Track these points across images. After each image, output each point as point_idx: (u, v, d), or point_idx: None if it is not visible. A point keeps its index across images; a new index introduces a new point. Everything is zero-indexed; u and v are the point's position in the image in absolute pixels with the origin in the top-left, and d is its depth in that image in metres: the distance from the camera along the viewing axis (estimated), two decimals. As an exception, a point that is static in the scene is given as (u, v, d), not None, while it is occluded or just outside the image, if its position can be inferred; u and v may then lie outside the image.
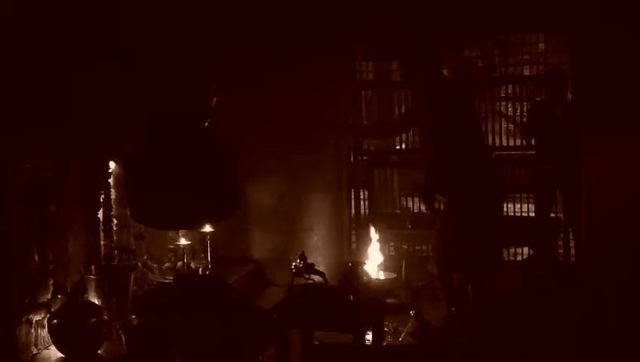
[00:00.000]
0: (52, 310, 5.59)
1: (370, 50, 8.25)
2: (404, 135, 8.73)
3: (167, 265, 7.05)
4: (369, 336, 5.63)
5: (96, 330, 5.52)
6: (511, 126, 9.93)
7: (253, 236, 8.06)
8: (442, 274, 6.30)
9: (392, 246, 8.25)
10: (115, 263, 6.23)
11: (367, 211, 8.68)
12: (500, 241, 6.54)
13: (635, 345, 5.89)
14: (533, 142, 8.55)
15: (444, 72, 6.91)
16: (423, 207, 8.25)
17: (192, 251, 7.18)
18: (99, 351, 5.56)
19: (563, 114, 8.10)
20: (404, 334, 6.36)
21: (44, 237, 5.61)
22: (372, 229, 7.08)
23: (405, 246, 8.18)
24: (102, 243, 6.27)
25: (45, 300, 5.61)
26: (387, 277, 7.08)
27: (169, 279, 6.37)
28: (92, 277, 5.89)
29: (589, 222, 7.02)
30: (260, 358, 4.87)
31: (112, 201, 6.37)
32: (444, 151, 6.04)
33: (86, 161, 6.13)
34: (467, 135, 6.13)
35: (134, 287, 6.16)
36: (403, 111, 8.33)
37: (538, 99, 8.80)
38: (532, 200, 8.73)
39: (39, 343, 5.55)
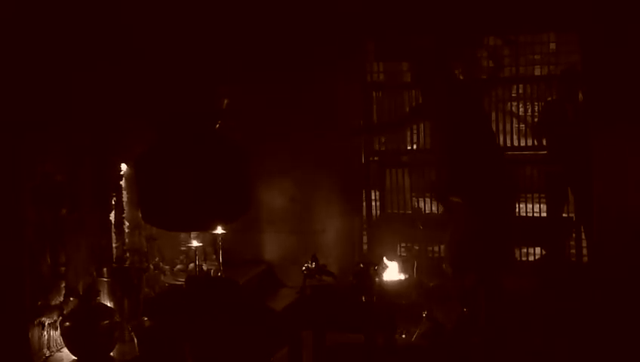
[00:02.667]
0: (64, 312, 5.60)
1: (380, 50, 8.25)
2: (415, 136, 8.72)
3: (178, 266, 7.06)
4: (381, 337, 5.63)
5: (109, 332, 5.53)
6: (522, 126, 9.91)
7: (265, 237, 8.07)
8: (455, 273, 6.30)
9: (403, 246, 8.25)
10: (127, 265, 6.24)
11: (378, 212, 8.67)
12: (513, 241, 6.52)
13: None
14: (544, 142, 8.53)
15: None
16: (434, 208, 8.25)
17: (204, 253, 7.19)
18: (111, 353, 5.57)
19: (574, 114, 8.07)
20: (416, 334, 6.35)
21: (56, 240, 5.62)
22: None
23: (417, 247, 8.17)
24: (114, 245, 6.28)
25: (57, 302, 5.62)
26: (399, 278, 7.07)
27: (181, 281, 6.38)
28: (104, 279, 5.90)
29: (601, 222, 7.00)
30: (272, 359, 4.88)
31: (124, 203, 6.39)
32: (456, 150, 6.03)
33: (98, 164, 6.14)
34: (479, 135, 6.13)
35: (146, 289, 6.17)
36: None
37: (549, 99, 8.78)
38: (544, 200, 8.71)
39: (52, 345, 5.57)
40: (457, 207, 6.21)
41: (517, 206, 7.09)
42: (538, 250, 8.49)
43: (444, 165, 6.21)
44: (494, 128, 7.79)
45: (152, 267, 6.66)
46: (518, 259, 8.23)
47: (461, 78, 7.85)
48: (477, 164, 5.99)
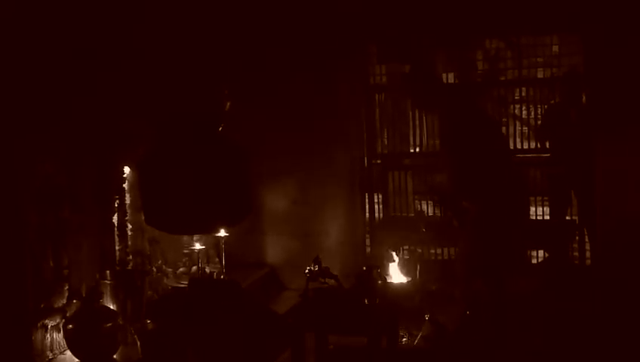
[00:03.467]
0: (67, 315, 5.61)
1: (382, 52, 8.24)
2: (417, 139, 8.72)
3: (181, 269, 7.06)
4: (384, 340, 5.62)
5: (112, 335, 5.53)
6: (525, 129, 9.90)
7: (267, 240, 8.07)
8: (464, 276, 6.28)
9: (406, 249, 8.24)
10: (130, 268, 6.25)
11: (381, 215, 8.66)
12: (525, 244, 6.50)
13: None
14: (547, 144, 8.52)
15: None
16: (437, 211, 8.24)
17: (207, 255, 7.19)
18: (114, 356, 5.57)
19: (577, 116, 8.06)
20: (418, 337, 6.34)
21: (58, 242, 5.62)
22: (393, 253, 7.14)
23: (419, 250, 8.16)
24: (117, 247, 6.28)
25: (60, 305, 5.62)
26: (402, 281, 7.07)
27: (184, 283, 6.38)
28: (107, 281, 5.90)
29: (604, 225, 6.99)
30: (275, 362, 4.88)
31: (127, 206, 6.38)
32: (460, 153, 6.01)
33: (100, 166, 6.14)
34: (483, 136, 6.10)
35: (149, 292, 6.17)
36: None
37: (552, 101, 8.77)
38: (547, 202, 8.70)
39: (55, 348, 5.57)
40: (467, 212, 6.18)
41: (528, 207, 7.05)
42: (541, 252, 8.48)
43: (453, 168, 6.19)
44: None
45: (154, 270, 6.66)
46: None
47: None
48: (484, 167, 5.96)
